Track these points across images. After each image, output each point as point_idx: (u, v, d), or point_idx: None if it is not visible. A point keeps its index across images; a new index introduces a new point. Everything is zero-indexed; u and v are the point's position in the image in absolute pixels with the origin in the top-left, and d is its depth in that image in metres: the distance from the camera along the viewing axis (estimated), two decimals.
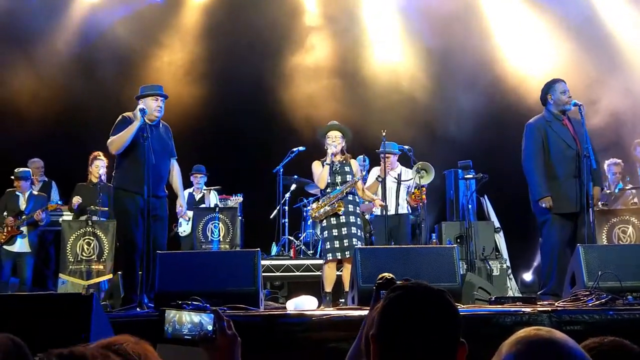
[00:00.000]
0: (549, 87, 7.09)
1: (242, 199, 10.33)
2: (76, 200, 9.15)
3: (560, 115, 6.99)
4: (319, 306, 6.74)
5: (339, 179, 7.54)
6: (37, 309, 4.18)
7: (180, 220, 9.87)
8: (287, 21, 11.95)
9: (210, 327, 1.93)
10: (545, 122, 7.00)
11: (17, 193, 9.26)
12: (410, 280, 2.70)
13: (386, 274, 2.72)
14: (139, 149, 6.68)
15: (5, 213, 9.15)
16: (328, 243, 7.40)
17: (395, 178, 9.13)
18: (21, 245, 9.10)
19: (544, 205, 6.83)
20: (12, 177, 9.29)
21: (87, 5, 11.68)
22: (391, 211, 8.78)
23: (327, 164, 7.53)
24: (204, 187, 10.38)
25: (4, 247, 9.05)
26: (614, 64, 10.51)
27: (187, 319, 1.92)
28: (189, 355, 2.09)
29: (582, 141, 6.76)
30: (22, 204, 9.20)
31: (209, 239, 9.38)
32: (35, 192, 9.43)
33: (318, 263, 9.19)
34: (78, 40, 11.58)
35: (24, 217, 9.07)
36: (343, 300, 7.24)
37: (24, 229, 9.08)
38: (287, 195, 10.48)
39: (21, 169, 9.40)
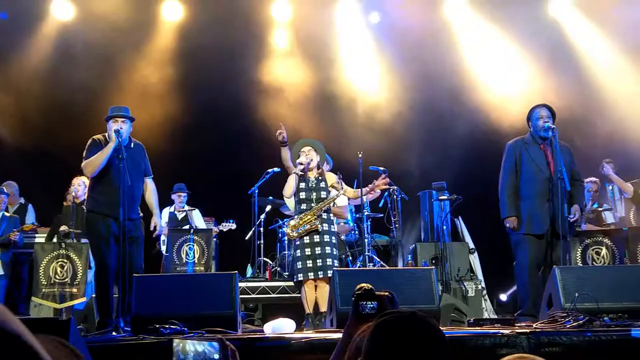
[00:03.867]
0: (530, 113, 7.27)
1: (234, 226, 10.24)
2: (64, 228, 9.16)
3: (540, 140, 7.10)
4: (302, 329, 6.70)
5: (314, 195, 7.49)
6: None
7: (164, 238, 9.78)
8: (261, 41, 12.00)
9: (215, 357, 1.90)
10: (523, 143, 7.17)
11: None
12: (390, 294, 2.70)
13: (365, 285, 2.69)
14: (112, 171, 6.66)
15: None
16: (300, 263, 7.32)
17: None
18: None
19: (507, 224, 7.06)
20: None
21: (58, 25, 11.61)
22: None
23: (295, 173, 7.52)
24: (186, 207, 10.29)
25: None
26: (587, 86, 10.74)
27: (192, 348, 1.89)
28: None
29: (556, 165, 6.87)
30: None
31: (184, 261, 9.29)
32: (7, 214, 9.31)
33: (294, 285, 9.14)
34: (50, 59, 11.49)
35: None
36: (318, 322, 7.18)
37: None
38: (262, 216, 10.44)
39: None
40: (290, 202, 8.36)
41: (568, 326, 5.35)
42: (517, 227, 6.97)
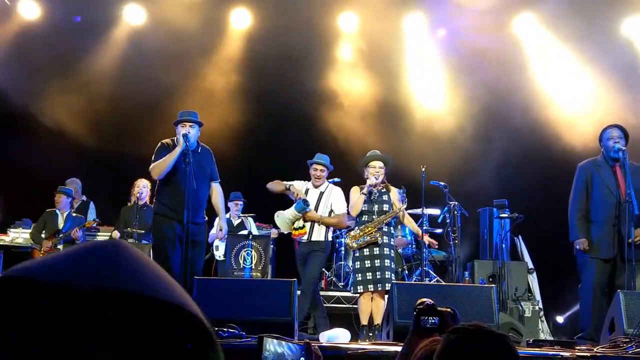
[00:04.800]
0: (601, 133, 7.14)
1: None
2: (114, 235, 9.36)
3: (612, 161, 6.97)
4: (356, 340, 6.71)
5: (376, 207, 7.46)
6: None
7: (218, 243, 9.90)
8: (329, 51, 12.06)
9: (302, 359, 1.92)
10: (595, 165, 7.03)
11: (57, 212, 9.42)
12: (452, 310, 2.69)
13: (426, 300, 2.68)
14: (179, 174, 6.78)
15: (44, 232, 9.30)
16: (360, 275, 7.31)
17: (318, 196, 8.07)
18: None
19: (577, 247, 6.93)
20: (55, 192, 9.46)
21: (129, 29, 11.88)
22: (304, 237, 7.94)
23: (363, 193, 7.48)
24: (241, 214, 10.43)
25: None
26: None
27: (277, 349, 1.92)
28: None
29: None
30: (60, 223, 9.35)
31: (241, 266, 9.38)
32: (73, 213, 9.58)
33: (349, 295, 9.14)
34: (121, 63, 11.77)
35: (61, 235, 9.20)
36: (371, 334, 7.17)
37: (60, 247, 9.20)
38: None
39: (64, 186, 9.60)
40: (278, 220, 8.20)
41: (630, 352, 5.22)
42: (587, 249, 6.85)
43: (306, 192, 7.95)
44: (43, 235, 9.33)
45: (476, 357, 1.81)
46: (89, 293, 0.68)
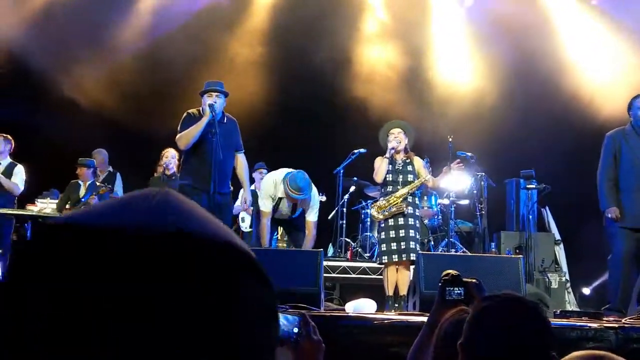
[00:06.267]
0: (631, 102, 7.04)
1: (324, 198, 10.13)
2: None
3: None
4: (382, 310, 6.72)
5: (401, 177, 7.42)
6: None
7: (244, 215, 9.92)
8: (354, 22, 11.98)
9: (296, 330, 1.93)
10: (623, 134, 6.96)
11: (79, 183, 9.46)
12: (477, 280, 2.69)
13: (452, 271, 2.69)
14: (205, 145, 6.78)
15: (68, 203, 9.38)
16: (385, 245, 7.31)
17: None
18: None
19: (609, 215, 6.84)
20: (76, 165, 9.51)
21: (154, 1, 11.87)
22: None
23: (386, 157, 7.46)
24: None
25: None
26: None
27: None
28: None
29: None
30: (82, 193, 9.38)
31: None
32: (97, 183, 9.61)
33: (374, 266, 9.14)
34: (145, 34, 11.78)
35: (80, 204, 9.24)
36: (397, 305, 7.17)
37: None
38: (346, 196, 10.45)
39: (85, 158, 9.63)
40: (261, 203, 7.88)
41: None
42: (619, 217, 6.78)
43: (279, 200, 7.73)
44: (68, 204, 9.40)
45: (507, 323, 1.81)
46: (137, 237, 0.69)
